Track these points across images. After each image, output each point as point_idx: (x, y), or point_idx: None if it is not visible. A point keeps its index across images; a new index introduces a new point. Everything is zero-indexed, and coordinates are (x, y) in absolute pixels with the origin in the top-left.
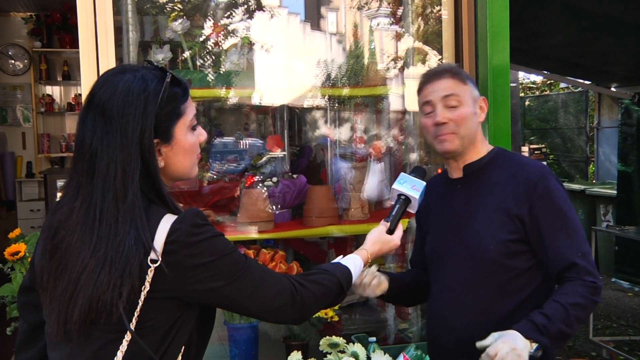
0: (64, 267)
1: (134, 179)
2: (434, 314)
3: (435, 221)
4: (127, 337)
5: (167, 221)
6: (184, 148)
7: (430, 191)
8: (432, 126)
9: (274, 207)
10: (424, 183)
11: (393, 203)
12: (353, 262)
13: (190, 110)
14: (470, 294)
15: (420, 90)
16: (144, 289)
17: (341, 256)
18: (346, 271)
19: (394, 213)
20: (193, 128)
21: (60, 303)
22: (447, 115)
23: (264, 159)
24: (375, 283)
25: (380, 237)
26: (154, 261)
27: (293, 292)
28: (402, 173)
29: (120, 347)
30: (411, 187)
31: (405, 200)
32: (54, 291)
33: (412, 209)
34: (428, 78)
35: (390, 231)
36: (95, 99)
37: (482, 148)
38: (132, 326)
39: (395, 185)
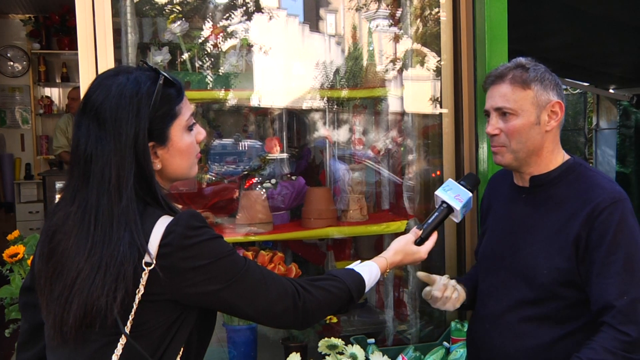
0: (60, 272)
1: (129, 183)
2: (476, 326)
3: (493, 223)
4: (122, 340)
5: (162, 223)
6: (181, 149)
7: (495, 187)
8: (488, 136)
9: (272, 208)
10: (470, 194)
11: (436, 208)
12: (369, 270)
13: (186, 110)
14: (515, 314)
15: (485, 92)
16: (139, 292)
17: (358, 261)
18: (359, 279)
19: (430, 221)
20: (190, 128)
21: (57, 307)
22: (499, 125)
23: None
24: (456, 296)
25: (405, 247)
26: (148, 264)
27: (295, 297)
28: (449, 179)
29: (115, 351)
30: (454, 196)
31: (447, 208)
32: (51, 295)
33: (456, 218)
34: (489, 81)
35: (422, 239)
36: (89, 103)
37: (553, 159)
38: (127, 329)
39: (439, 192)
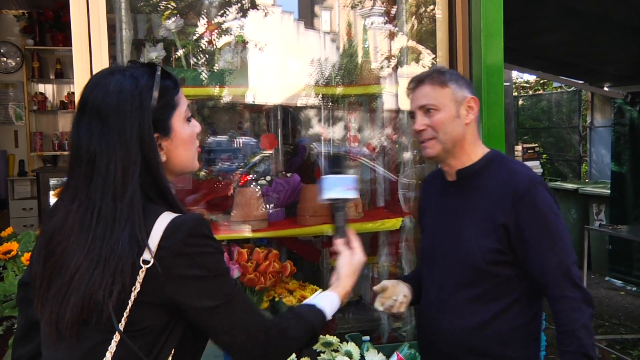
0: (58, 271)
1: (134, 176)
2: (424, 311)
3: (430, 220)
4: (116, 337)
5: (164, 220)
6: (184, 139)
7: (429, 188)
8: (415, 134)
9: (267, 205)
10: (352, 176)
11: (334, 210)
12: (330, 304)
13: (183, 101)
14: (456, 296)
15: (408, 98)
16: (135, 289)
17: (319, 291)
18: (323, 318)
19: (339, 225)
20: (188, 120)
21: (53, 304)
22: (424, 121)
23: (257, 157)
24: (406, 301)
25: (350, 267)
26: (146, 262)
27: (267, 343)
28: (324, 178)
29: (110, 348)
30: (344, 189)
31: (342, 203)
32: (47, 294)
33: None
34: (410, 87)
35: (345, 243)
36: (88, 102)
37: (474, 151)
38: (121, 327)
39: (326, 195)
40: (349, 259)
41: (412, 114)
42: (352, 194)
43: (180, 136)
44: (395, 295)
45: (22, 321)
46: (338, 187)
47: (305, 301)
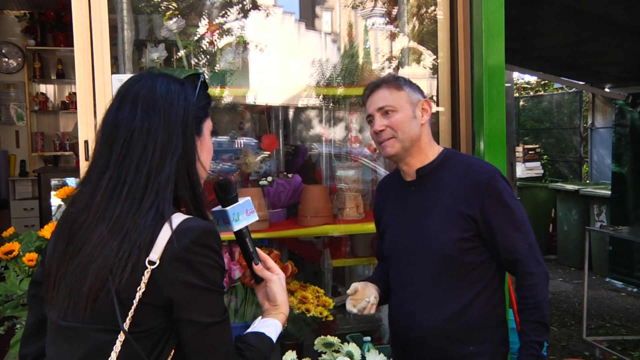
0: (81, 247)
1: (172, 160)
2: (397, 310)
3: (391, 220)
4: (121, 337)
5: (174, 222)
6: (208, 147)
7: (384, 191)
8: (374, 135)
9: (269, 206)
10: (247, 198)
11: (239, 244)
12: (275, 331)
13: (210, 115)
14: (431, 289)
15: (364, 104)
16: (140, 289)
17: (260, 318)
18: (271, 345)
19: (252, 251)
20: (212, 132)
21: (74, 278)
22: (383, 122)
23: (259, 158)
24: (376, 302)
25: (284, 292)
26: (152, 262)
27: None
28: (225, 210)
29: (115, 348)
30: (248, 214)
31: (246, 229)
32: (67, 270)
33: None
34: (366, 92)
35: (254, 265)
36: (130, 92)
37: (430, 151)
38: (126, 327)
39: (236, 227)
40: (279, 284)
41: (369, 118)
42: (255, 217)
43: (206, 142)
44: (367, 297)
45: (32, 319)
46: (242, 214)
47: (250, 329)
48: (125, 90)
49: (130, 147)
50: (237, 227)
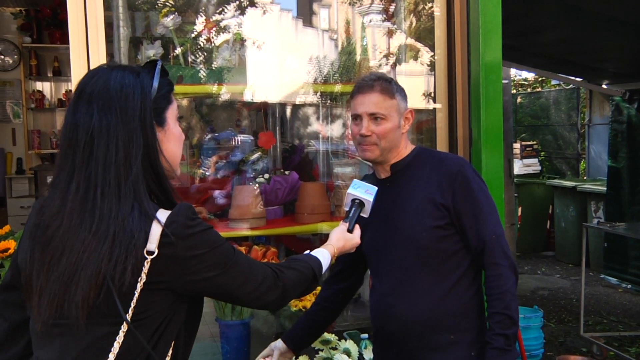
0: (60, 255)
1: (137, 157)
2: (378, 304)
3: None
4: (124, 328)
5: (162, 215)
6: (175, 135)
7: None
8: (357, 134)
9: (265, 203)
10: (376, 188)
11: (347, 209)
12: (322, 255)
13: (174, 100)
14: (410, 280)
15: (351, 98)
16: (140, 280)
17: (308, 250)
18: (317, 261)
19: (350, 215)
20: (178, 119)
21: (58, 287)
22: (372, 128)
23: (256, 155)
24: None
25: (344, 235)
26: (150, 253)
27: (275, 278)
28: (355, 179)
29: (117, 339)
30: (365, 191)
31: (359, 203)
32: (48, 279)
33: (365, 213)
34: (359, 89)
35: (349, 231)
36: (86, 90)
37: (404, 149)
38: (128, 317)
39: (350, 190)
40: (342, 230)
41: (355, 116)
42: (369, 197)
43: (172, 131)
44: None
45: (5, 325)
46: (361, 189)
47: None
48: (80, 89)
49: (93, 149)
50: (350, 191)
